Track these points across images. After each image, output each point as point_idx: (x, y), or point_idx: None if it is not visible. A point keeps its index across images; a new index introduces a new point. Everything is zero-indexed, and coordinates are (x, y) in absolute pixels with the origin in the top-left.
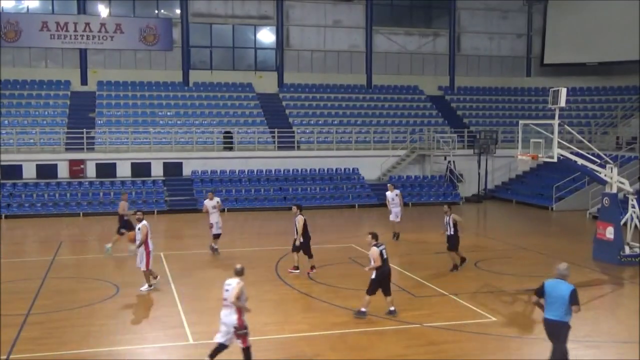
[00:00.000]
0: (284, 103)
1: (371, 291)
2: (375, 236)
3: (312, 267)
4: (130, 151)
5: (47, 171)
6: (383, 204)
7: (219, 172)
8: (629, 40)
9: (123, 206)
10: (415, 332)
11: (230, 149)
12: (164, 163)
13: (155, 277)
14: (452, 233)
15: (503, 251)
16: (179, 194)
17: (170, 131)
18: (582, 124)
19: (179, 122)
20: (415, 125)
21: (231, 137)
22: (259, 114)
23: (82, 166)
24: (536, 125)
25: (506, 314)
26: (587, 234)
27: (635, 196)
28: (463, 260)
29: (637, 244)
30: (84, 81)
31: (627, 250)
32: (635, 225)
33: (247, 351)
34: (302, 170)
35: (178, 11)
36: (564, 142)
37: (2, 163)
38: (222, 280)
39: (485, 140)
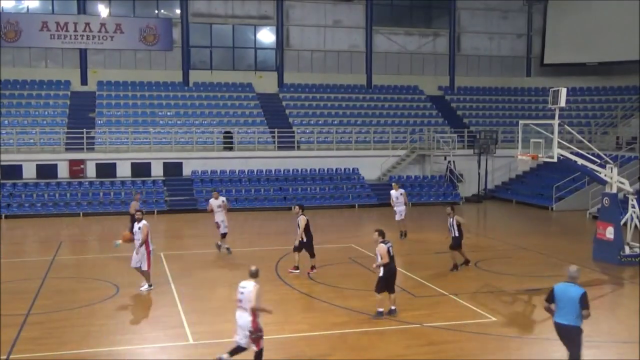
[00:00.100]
0: (284, 103)
1: (379, 289)
2: (382, 233)
3: (312, 267)
4: (130, 151)
5: (47, 171)
6: (383, 203)
7: (219, 172)
8: (629, 40)
9: (134, 206)
10: (415, 332)
11: (230, 149)
12: (164, 163)
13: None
14: (456, 235)
15: (503, 251)
16: (179, 194)
17: (170, 131)
18: (582, 124)
19: (179, 122)
20: (415, 125)
21: (231, 137)
22: (259, 114)
23: (82, 166)
24: (536, 125)
25: (506, 314)
26: (587, 234)
27: (635, 196)
28: (467, 262)
29: (637, 244)
30: (84, 81)
31: (627, 250)
32: (635, 225)
33: (259, 354)
34: (302, 170)
35: (178, 11)
36: (564, 142)
37: (2, 163)
38: (222, 280)
39: (485, 140)
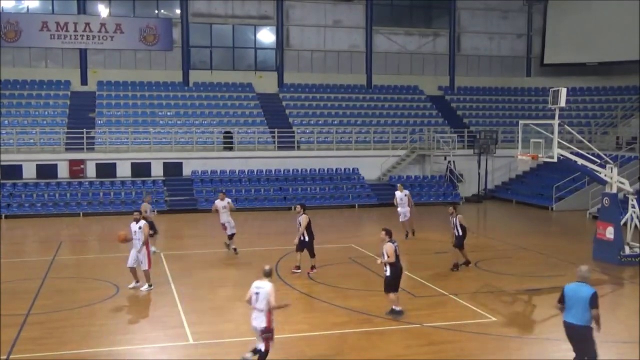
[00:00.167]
0: (284, 103)
1: (389, 289)
2: (389, 233)
3: (312, 267)
4: (130, 151)
5: (47, 171)
6: (383, 203)
7: (219, 172)
8: (629, 40)
9: (144, 208)
10: (415, 332)
11: (230, 149)
12: (164, 163)
13: (137, 282)
14: (460, 234)
15: (503, 251)
16: (179, 194)
17: (170, 131)
18: (582, 124)
19: (179, 122)
20: (415, 125)
21: (231, 137)
22: (259, 114)
23: (82, 166)
24: (536, 125)
25: (506, 314)
26: (587, 234)
27: (635, 196)
28: (467, 262)
29: (637, 244)
30: (84, 81)
31: (627, 250)
32: (635, 225)
33: (264, 354)
34: (302, 170)
35: (178, 11)
36: (564, 142)
37: (2, 163)
38: (222, 280)
39: (485, 140)
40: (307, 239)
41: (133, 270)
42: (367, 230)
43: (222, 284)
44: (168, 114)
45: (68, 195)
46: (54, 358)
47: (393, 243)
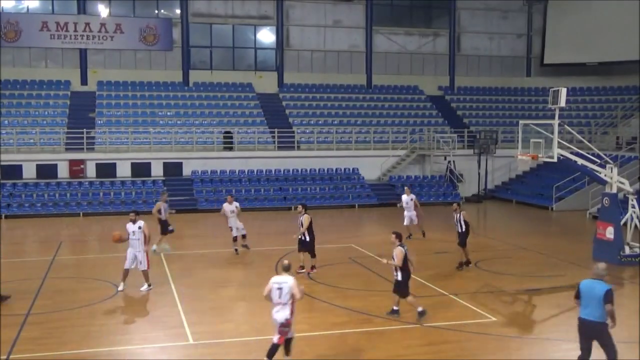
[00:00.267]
0: (284, 103)
1: (405, 293)
2: (399, 236)
3: (313, 267)
4: (130, 151)
5: (47, 171)
6: (383, 203)
7: (219, 172)
8: (629, 40)
9: (159, 206)
10: (415, 332)
11: (230, 149)
12: (164, 163)
13: (123, 281)
14: (462, 230)
15: (503, 251)
16: (179, 194)
17: (170, 131)
18: (582, 124)
19: (179, 122)
20: (415, 125)
21: (231, 137)
22: (259, 114)
23: (82, 166)
24: (536, 125)
25: (506, 314)
26: (587, 234)
27: (635, 196)
28: (467, 262)
29: (637, 244)
30: (84, 81)
31: (627, 250)
32: (635, 225)
33: (275, 348)
34: (302, 170)
35: (178, 11)
36: (564, 142)
37: (2, 163)
38: (222, 280)
39: (485, 140)
40: (308, 239)
41: (127, 272)
42: (367, 230)
43: (222, 284)
44: (168, 114)
45: (68, 195)
46: (54, 358)
47: (403, 247)
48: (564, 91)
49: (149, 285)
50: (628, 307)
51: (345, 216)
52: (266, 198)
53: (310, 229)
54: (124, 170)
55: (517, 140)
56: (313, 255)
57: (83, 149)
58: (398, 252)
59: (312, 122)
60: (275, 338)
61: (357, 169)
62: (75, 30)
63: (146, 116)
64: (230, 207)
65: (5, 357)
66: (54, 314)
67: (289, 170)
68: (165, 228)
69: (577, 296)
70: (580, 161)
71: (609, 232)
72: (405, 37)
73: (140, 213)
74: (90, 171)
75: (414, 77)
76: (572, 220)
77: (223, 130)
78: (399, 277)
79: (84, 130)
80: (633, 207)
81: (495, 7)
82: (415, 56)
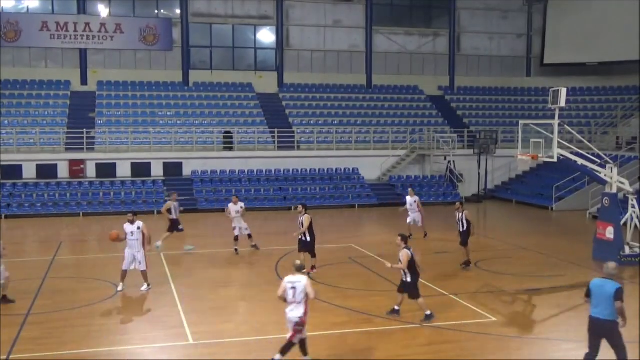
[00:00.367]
0: (284, 103)
1: (417, 294)
2: (405, 239)
3: (313, 267)
4: (130, 151)
5: (47, 171)
6: (383, 203)
7: (219, 172)
8: (629, 40)
9: (168, 206)
10: (415, 332)
11: (230, 149)
12: (164, 163)
13: (122, 282)
14: (464, 229)
15: (503, 251)
16: (179, 194)
17: (170, 131)
18: (582, 124)
19: (179, 122)
20: (415, 125)
21: (231, 137)
22: (259, 114)
23: (82, 166)
24: (536, 125)
25: (506, 314)
26: (587, 234)
27: (635, 196)
28: (467, 263)
29: (637, 244)
30: (84, 81)
31: (627, 250)
32: (635, 225)
33: (290, 346)
34: (302, 170)
35: (178, 11)
36: (564, 142)
37: (2, 163)
38: (223, 280)
39: (485, 140)
40: (308, 239)
41: (125, 272)
42: (367, 230)
43: (222, 284)
44: (168, 114)
45: (68, 195)
46: (54, 358)
47: (409, 249)
48: (564, 91)
49: (148, 285)
50: (628, 308)
51: (345, 216)
52: (266, 198)
53: (310, 229)
54: (124, 170)
55: (517, 140)
56: (313, 256)
57: (83, 149)
58: (404, 255)
59: (312, 122)
60: (288, 334)
61: (357, 169)
62: (75, 30)
63: (146, 116)
64: (235, 208)
65: (5, 357)
66: (54, 314)
67: (289, 170)
68: (175, 227)
69: (588, 295)
70: (580, 161)
71: (609, 232)
72: (405, 37)
73: (138, 213)
74: (90, 171)
75: (414, 77)
76: (572, 220)
77: (223, 130)
78: (408, 279)
79: (84, 130)
80: (633, 207)
81: (495, 7)
82: (415, 56)
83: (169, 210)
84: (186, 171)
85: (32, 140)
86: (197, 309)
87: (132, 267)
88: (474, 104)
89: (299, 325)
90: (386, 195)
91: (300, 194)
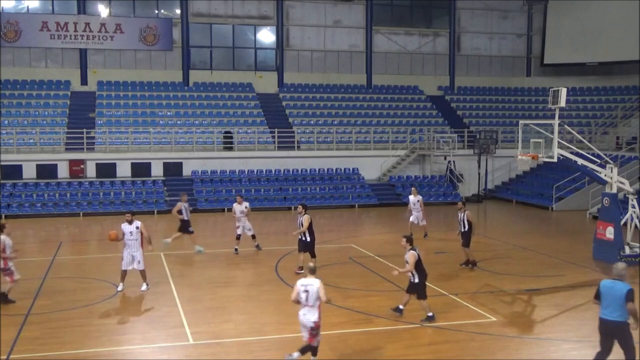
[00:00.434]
0: (284, 103)
1: (423, 295)
2: (410, 240)
3: None
4: (130, 151)
5: (47, 171)
6: (383, 204)
7: (219, 172)
8: (629, 40)
9: (179, 207)
10: (416, 332)
11: (230, 149)
12: (164, 163)
13: (122, 282)
14: (465, 230)
15: (503, 251)
16: (179, 194)
17: (170, 131)
18: (582, 124)
19: (179, 122)
20: (415, 125)
21: (231, 137)
22: (259, 114)
23: (82, 166)
24: (536, 125)
25: (506, 314)
26: (587, 234)
27: (635, 196)
28: (467, 262)
29: (637, 244)
30: (84, 81)
31: (627, 250)
32: (635, 225)
33: (311, 348)
34: (302, 170)
35: (178, 11)
36: (564, 142)
37: (2, 163)
38: (223, 280)
39: (485, 140)
40: (308, 239)
41: (125, 272)
42: (367, 230)
43: (222, 283)
44: (168, 114)
45: (68, 195)
46: (54, 358)
47: (415, 250)
48: (564, 91)
49: (148, 285)
50: None
51: (345, 216)
52: (266, 198)
53: (310, 229)
54: (124, 170)
55: (517, 140)
56: (313, 256)
57: (83, 149)
58: (410, 256)
59: (312, 122)
60: (312, 341)
61: (357, 169)
62: (75, 30)
63: (146, 116)
64: (239, 208)
65: (5, 357)
66: (54, 314)
67: (289, 170)
68: (185, 228)
69: (597, 297)
70: (580, 161)
71: (609, 232)
72: (405, 37)
73: (136, 213)
74: (90, 171)
75: (414, 77)
76: (572, 220)
77: (223, 130)
78: (416, 280)
79: (84, 130)
80: (633, 207)
81: (495, 7)
82: (415, 56)
83: (179, 211)
84: (186, 171)
85: (32, 140)
86: (197, 309)
87: (131, 267)
88: (474, 104)
89: (314, 330)
90: (386, 195)
91: (300, 194)
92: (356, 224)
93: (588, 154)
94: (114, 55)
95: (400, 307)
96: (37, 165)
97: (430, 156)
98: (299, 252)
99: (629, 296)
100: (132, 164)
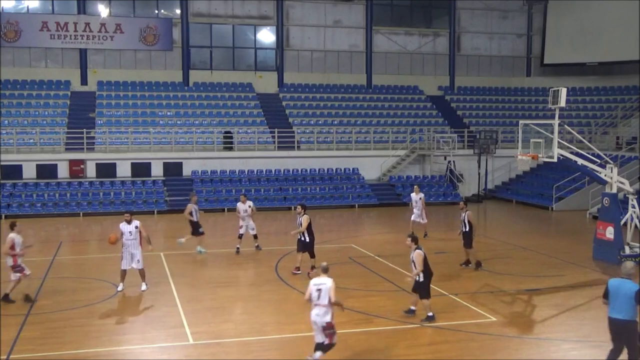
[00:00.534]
0: (284, 103)
1: (427, 294)
2: (415, 239)
3: (312, 267)
4: (130, 151)
5: (47, 171)
6: (383, 204)
7: (219, 172)
8: (629, 40)
9: (189, 209)
10: (415, 332)
11: (230, 149)
12: (164, 163)
13: (122, 281)
14: (467, 230)
15: (503, 251)
16: (179, 194)
17: (170, 131)
18: (582, 124)
19: (179, 122)
20: (415, 125)
21: (231, 137)
22: (259, 114)
23: (82, 166)
24: (536, 125)
25: (506, 314)
26: (587, 234)
27: (635, 196)
28: (468, 262)
29: (637, 244)
30: (84, 81)
31: (627, 250)
32: (635, 225)
33: (330, 347)
34: (302, 170)
35: (178, 11)
36: (564, 142)
37: (2, 163)
38: (223, 280)
39: (485, 140)
40: (307, 239)
41: (124, 272)
42: (367, 230)
43: (222, 283)
44: (168, 114)
45: (68, 195)
46: (54, 358)
47: (421, 249)
48: (564, 91)
49: (147, 285)
50: None
51: (345, 216)
52: (266, 198)
53: (310, 229)
54: (124, 170)
55: (517, 140)
56: (312, 256)
57: (83, 149)
58: (417, 256)
59: (312, 122)
60: (325, 340)
61: (357, 169)
62: (75, 30)
63: (146, 116)
64: (243, 207)
65: (5, 357)
66: (54, 314)
67: (289, 170)
68: (196, 230)
69: (606, 296)
70: (580, 161)
71: (609, 232)
72: (405, 37)
73: (136, 213)
74: (90, 171)
75: (414, 77)
76: (572, 220)
77: (223, 130)
78: (421, 279)
79: (84, 130)
80: (633, 207)
81: (495, 7)
82: (415, 56)
83: (190, 213)
84: (186, 171)
85: (32, 140)
86: (197, 308)
87: (130, 266)
88: (474, 104)
89: (328, 329)
90: (386, 196)
91: (300, 194)
92: (356, 224)
93: (588, 154)
94: (114, 55)
95: (412, 308)
96: (37, 165)
97: (430, 156)
98: (298, 252)
99: (639, 296)
100: (132, 164)
